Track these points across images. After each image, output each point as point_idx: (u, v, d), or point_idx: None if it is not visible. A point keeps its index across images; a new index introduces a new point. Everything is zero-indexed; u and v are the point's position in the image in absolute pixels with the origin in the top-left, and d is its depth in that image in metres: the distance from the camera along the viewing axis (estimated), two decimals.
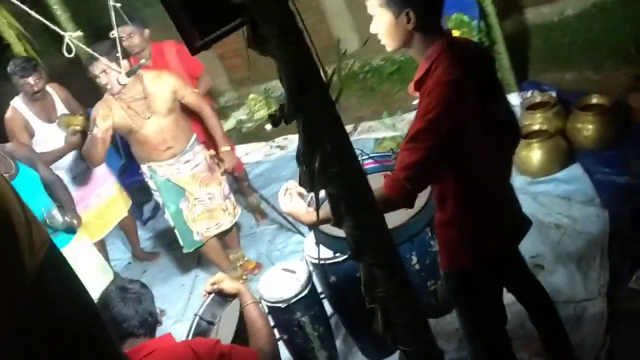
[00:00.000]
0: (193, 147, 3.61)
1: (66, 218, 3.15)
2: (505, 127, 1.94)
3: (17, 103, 3.74)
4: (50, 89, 3.83)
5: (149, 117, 3.35)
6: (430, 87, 1.73)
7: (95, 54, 3.05)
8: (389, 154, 2.83)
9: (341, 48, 5.81)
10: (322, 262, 2.55)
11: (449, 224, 1.93)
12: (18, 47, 5.21)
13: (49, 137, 3.75)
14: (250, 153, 5.53)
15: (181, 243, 3.68)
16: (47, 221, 3.08)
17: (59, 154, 3.73)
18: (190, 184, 3.56)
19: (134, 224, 4.51)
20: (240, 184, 4.48)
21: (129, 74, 3.19)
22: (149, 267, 4.51)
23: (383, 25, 1.82)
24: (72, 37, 2.81)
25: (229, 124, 6.16)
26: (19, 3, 2.54)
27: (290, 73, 1.22)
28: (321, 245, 2.33)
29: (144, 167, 3.56)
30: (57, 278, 1.07)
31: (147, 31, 3.82)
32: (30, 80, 3.61)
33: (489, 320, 2.09)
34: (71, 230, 3.29)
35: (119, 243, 4.78)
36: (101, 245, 4.07)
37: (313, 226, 2.26)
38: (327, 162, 1.29)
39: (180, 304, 3.92)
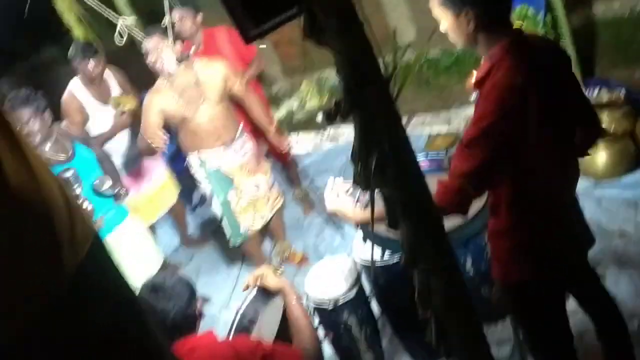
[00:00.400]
0: (241, 136, 3.58)
1: (115, 186, 3.21)
2: (582, 129, 1.80)
3: (75, 85, 3.78)
4: (107, 72, 3.87)
5: (200, 105, 3.32)
6: (488, 90, 1.63)
7: (145, 36, 3.04)
8: (442, 155, 2.71)
9: (397, 40, 5.67)
10: (371, 262, 2.46)
11: (503, 234, 1.81)
12: (78, 31, 5.29)
13: (103, 120, 3.78)
14: (300, 143, 5.48)
15: (227, 235, 3.64)
16: (97, 186, 3.14)
17: (109, 135, 3.77)
18: (239, 173, 3.52)
19: (183, 210, 4.53)
20: (289, 173, 4.44)
21: (180, 59, 3.17)
22: (197, 253, 4.54)
23: (446, 24, 1.73)
24: (125, 22, 2.80)
25: (280, 113, 6.13)
26: None
27: (348, 66, 1.14)
28: (369, 243, 2.25)
29: (192, 157, 3.50)
30: (100, 276, 1.03)
31: (199, 16, 3.80)
32: (90, 64, 3.65)
33: (552, 336, 1.96)
34: (119, 199, 3.33)
35: (167, 228, 4.81)
36: (150, 230, 4.10)
37: (361, 224, 2.18)
38: (385, 161, 1.20)
39: (225, 292, 3.91)
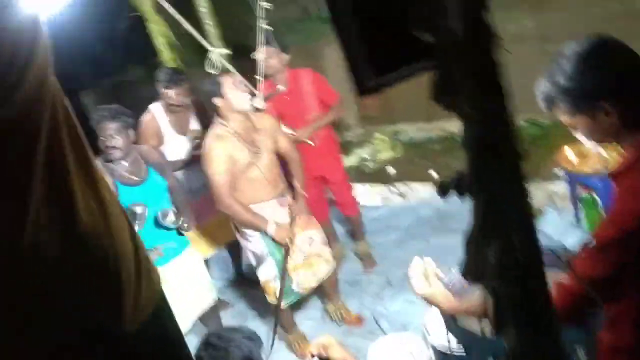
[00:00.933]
0: (290, 190, 3.46)
1: (179, 219, 3.13)
2: None
3: (156, 109, 3.77)
4: (190, 102, 3.85)
5: (260, 153, 3.20)
6: (634, 186, 1.39)
7: (236, 72, 2.97)
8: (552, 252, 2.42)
9: None
10: (450, 351, 2.21)
11: (624, 352, 1.54)
12: (166, 55, 5.39)
13: (177, 148, 3.74)
14: (367, 195, 5.31)
15: (278, 294, 3.35)
16: (160, 218, 3.06)
17: (181, 164, 3.72)
18: (294, 229, 3.33)
19: (240, 247, 4.40)
20: (352, 225, 4.27)
21: (266, 97, 3.09)
22: (248, 291, 4.37)
23: (584, 131, 1.50)
24: (219, 53, 2.74)
25: (351, 160, 5.99)
26: (174, 12, 2.51)
27: (481, 137, 0.97)
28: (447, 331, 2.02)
29: None
30: (160, 340, 0.91)
31: (285, 56, 3.73)
32: (173, 93, 3.63)
33: None
34: (182, 233, 3.24)
35: (221, 262, 4.68)
36: (236, 244, 4.01)
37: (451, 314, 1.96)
38: (506, 253, 1.01)
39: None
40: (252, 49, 3.46)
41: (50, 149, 0.74)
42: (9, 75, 0.68)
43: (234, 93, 3.02)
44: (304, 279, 3.36)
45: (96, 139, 3.00)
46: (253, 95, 3.10)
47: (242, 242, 3.40)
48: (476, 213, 1.02)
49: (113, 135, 2.97)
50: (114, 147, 2.98)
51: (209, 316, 3.58)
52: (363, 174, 5.76)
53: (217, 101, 3.01)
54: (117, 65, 8.07)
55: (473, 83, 0.93)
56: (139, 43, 5.83)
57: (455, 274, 1.89)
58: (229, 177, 3.08)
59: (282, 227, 3.19)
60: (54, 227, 0.72)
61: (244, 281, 4.47)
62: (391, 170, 5.68)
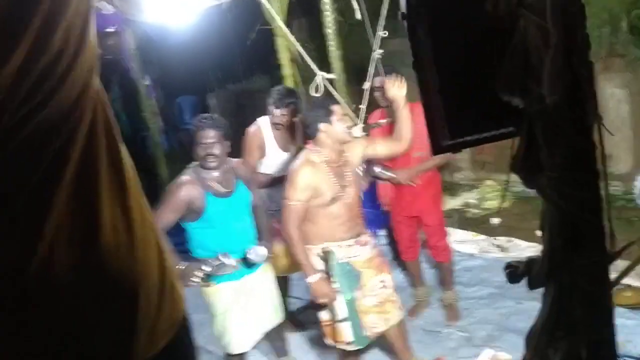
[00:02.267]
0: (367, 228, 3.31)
1: (266, 254, 3.13)
2: None
3: (263, 123, 3.82)
4: (297, 121, 3.87)
5: (347, 187, 3.07)
6: None
7: (335, 99, 2.93)
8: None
9: (608, 166, 5.07)
10: None
11: None
12: (287, 70, 5.48)
13: (277, 164, 3.76)
14: (466, 243, 5.06)
15: (350, 338, 3.15)
16: (248, 256, 3.07)
17: (271, 180, 3.72)
18: (367, 269, 3.15)
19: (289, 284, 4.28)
20: (442, 272, 4.06)
21: (366, 128, 3.01)
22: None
23: None
24: (324, 77, 2.72)
25: (455, 202, 5.78)
26: (287, 33, 2.51)
27: (559, 223, 0.83)
28: None
29: (316, 249, 3.10)
30: None
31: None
32: (278, 112, 3.67)
33: None
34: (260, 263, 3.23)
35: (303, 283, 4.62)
36: (285, 280, 3.96)
37: None
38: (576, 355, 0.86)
39: None
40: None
41: (84, 158, 0.71)
42: (51, 76, 0.66)
43: (340, 123, 2.96)
44: (373, 323, 3.16)
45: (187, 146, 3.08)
46: (354, 124, 3.04)
47: None
48: (545, 307, 0.88)
49: (214, 142, 3.02)
50: (213, 155, 3.02)
51: (275, 337, 3.53)
52: (465, 220, 5.52)
53: (322, 126, 2.97)
54: (244, 73, 8.40)
55: (562, 161, 0.80)
56: (266, 55, 6.01)
57: None
58: (305, 207, 3.00)
59: (323, 282, 3.03)
60: (72, 245, 0.68)
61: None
62: (495, 220, 5.39)
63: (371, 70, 2.92)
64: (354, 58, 4.73)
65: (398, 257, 4.33)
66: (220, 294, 3.17)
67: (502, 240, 4.98)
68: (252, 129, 3.81)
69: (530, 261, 0.86)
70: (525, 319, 3.87)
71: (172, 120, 9.54)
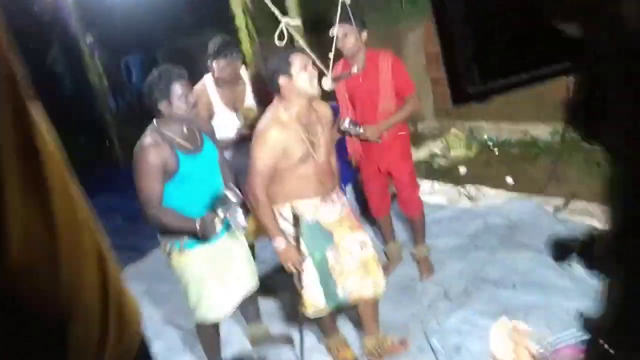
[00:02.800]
0: (337, 186, 3.12)
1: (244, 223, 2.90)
2: None
3: (208, 81, 3.56)
4: (245, 75, 3.60)
5: (319, 146, 2.87)
6: None
7: (305, 47, 2.67)
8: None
9: None
10: None
11: None
12: (240, 20, 5.16)
13: (227, 125, 3.52)
14: (434, 194, 4.94)
15: (321, 303, 2.98)
16: (229, 219, 2.81)
17: (228, 144, 3.49)
18: (339, 229, 2.96)
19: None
20: (413, 226, 3.92)
21: (336, 79, 2.78)
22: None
23: None
24: (289, 24, 2.45)
25: (421, 154, 5.64)
26: None
27: (634, 190, 0.64)
28: None
29: (283, 209, 2.91)
30: None
31: (364, 34, 3.40)
32: (220, 66, 3.42)
33: None
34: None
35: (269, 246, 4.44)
36: (251, 245, 3.76)
37: None
38: None
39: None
40: (332, 24, 3.16)
41: None
42: None
43: (302, 74, 2.70)
44: (355, 286, 2.97)
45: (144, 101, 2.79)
46: (322, 75, 2.80)
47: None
48: (609, 297, 0.70)
49: (179, 97, 2.72)
50: (178, 111, 2.74)
51: (248, 303, 3.36)
52: (431, 170, 5.40)
53: (282, 80, 2.72)
54: (194, 26, 7.96)
55: (636, 105, 0.60)
56: (219, 7, 5.65)
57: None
58: (272, 170, 2.79)
59: (290, 249, 2.87)
60: None
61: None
62: (462, 169, 5.29)
63: (337, 16, 2.67)
64: (314, 6, 4.45)
65: (366, 213, 4.17)
66: (194, 260, 2.94)
67: (470, 189, 4.88)
68: (197, 87, 3.53)
69: (590, 239, 0.66)
70: (499, 270, 3.84)
71: (119, 81, 9.10)
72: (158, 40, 8.22)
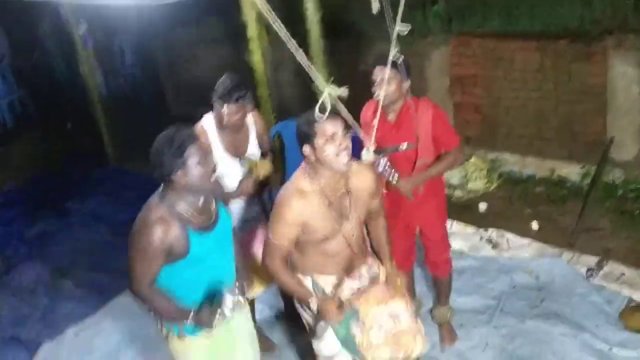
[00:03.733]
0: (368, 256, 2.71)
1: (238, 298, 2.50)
2: None
3: (208, 123, 3.08)
4: (249, 118, 3.15)
5: (345, 222, 2.45)
6: None
7: (351, 121, 2.22)
8: None
9: (610, 151, 4.61)
10: None
11: None
12: (252, 30, 4.69)
13: (229, 173, 3.08)
14: (453, 235, 4.52)
15: None
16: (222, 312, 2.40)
17: (228, 197, 3.03)
18: (365, 304, 2.54)
19: None
20: (439, 286, 3.53)
21: (377, 152, 2.34)
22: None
23: None
24: (332, 94, 2.02)
25: None
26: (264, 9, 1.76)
27: None
28: None
29: (304, 280, 2.56)
30: None
31: (407, 83, 2.96)
32: (227, 110, 2.95)
33: None
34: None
35: (271, 295, 4.02)
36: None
37: None
38: None
39: None
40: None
41: None
42: None
43: (329, 147, 2.25)
44: (387, 356, 2.55)
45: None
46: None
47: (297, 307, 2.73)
48: None
49: (205, 158, 2.26)
50: (206, 174, 2.26)
51: None
52: (448, 204, 4.98)
53: (305, 149, 2.30)
54: (197, 17, 7.40)
55: None
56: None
57: None
58: (290, 245, 2.43)
59: (330, 302, 2.48)
60: None
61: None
62: (482, 206, 4.89)
63: (392, 53, 2.23)
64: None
65: None
66: (195, 348, 2.49)
67: (492, 232, 4.48)
68: (195, 129, 3.06)
69: None
70: (530, 344, 3.45)
71: (113, 65, 8.54)
72: (156, 28, 7.66)
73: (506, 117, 5.03)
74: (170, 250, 2.24)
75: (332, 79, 4.73)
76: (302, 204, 2.33)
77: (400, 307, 2.64)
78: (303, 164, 2.41)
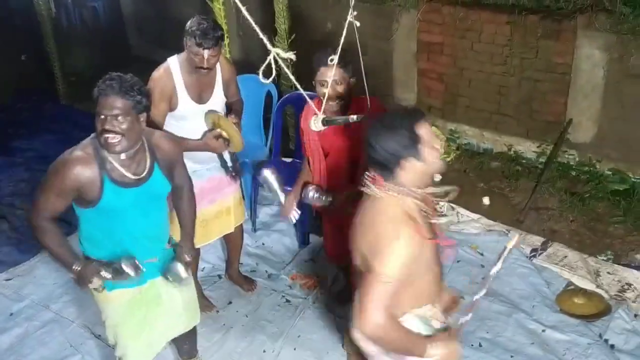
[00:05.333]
0: None
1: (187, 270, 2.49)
2: None
3: (174, 65, 2.93)
4: (217, 64, 3.00)
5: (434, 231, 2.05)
6: None
7: (300, 89, 2.09)
8: None
9: (568, 132, 4.59)
10: None
11: None
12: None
13: (189, 119, 2.96)
14: None
15: None
16: (168, 277, 2.46)
17: (190, 148, 2.92)
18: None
19: (240, 242, 3.67)
20: None
21: (326, 122, 2.23)
22: (236, 298, 3.68)
23: None
24: (279, 55, 1.88)
25: None
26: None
27: None
28: None
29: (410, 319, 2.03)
30: None
31: (352, 80, 2.75)
32: (206, 53, 2.79)
33: None
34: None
35: (218, 245, 3.97)
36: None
37: None
38: None
39: None
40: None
41: None
42: None
43: (433, 153, 1.87)
44: None
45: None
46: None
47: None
48: None
49: (119, 114, 2.14)
50: (113, 132, 2.16)
51: (184, 338, 2.91)
52: None
53: (407, 162, 1.84)
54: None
55: None
56: None
57: None
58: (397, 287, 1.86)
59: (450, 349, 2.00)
60: None
61: (239, 280, 3.76)
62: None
63: (342, 38, 2.09)
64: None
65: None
66: (113, 303, 2.47)
67: (444, 206, 4.46)
68: (157, 73, 2.89)
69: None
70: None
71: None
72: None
73: (468, 88, 4.95)
74: (80, 192, 2.20)
75: (292, 36, 4.59)
76: (413, 232, 1.84)
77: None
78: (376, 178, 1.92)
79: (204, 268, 3.88)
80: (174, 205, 2.66)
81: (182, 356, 3.05)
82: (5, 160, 5.41)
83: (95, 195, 2.21)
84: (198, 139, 2.96)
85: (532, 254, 3.91)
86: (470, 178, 4.86)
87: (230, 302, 3.63)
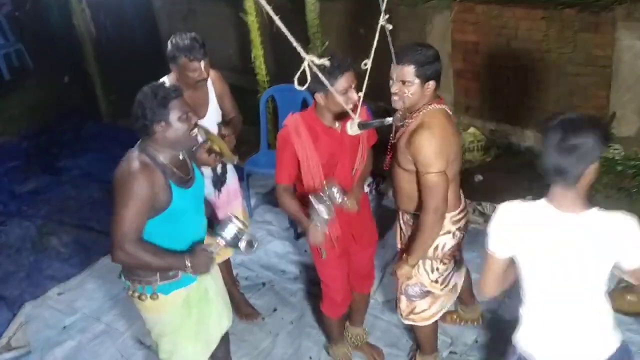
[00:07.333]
0: None
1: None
2: None
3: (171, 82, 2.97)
4: (209, 78, 3.04)
5: None
6: None
7: (331, 89, 2.07)
8: None
9: (612, 127, 4.48)
10: None
11: None
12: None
13: None
14: None
15: None
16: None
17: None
18: None
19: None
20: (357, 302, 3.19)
21: (362, 125, 2.22)
22: (280, 305, 3.70)
23: None
24: (313, 62, 1.88)
25: None
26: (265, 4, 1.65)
27: None
28: None
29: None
30: None
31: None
32: (202, 64, 2.85)
33: None
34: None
35: (261, 253, 4.01)
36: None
37: None
38: None
39: None
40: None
41: None
42: None
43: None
44: None
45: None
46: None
47: None
48: None
49: (187, 113, 2.27)
50: (188, 127, 2.27)
51: (220, 344, 2.85)
52: None
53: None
54: None
55: None
56: None
57: None
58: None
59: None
60: None
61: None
62: (478, 177, 4.80)
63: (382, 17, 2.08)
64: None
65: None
66: (169, 307, 2.45)
67: (486, 206, 4.40)
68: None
69: None
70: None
71: (109, 18, 8.25)
72: None
73: (506, 87, 4.88)
74: (153, 200, 2.20)
75: (326, 44, 4.61)
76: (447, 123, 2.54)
77: None
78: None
79: (247, 277, 3.93)
80: None
81: None
82: (52, 179, 5.57)
83: (166, 200, 2.24)
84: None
85: None
86: (513, 178, 4.78)
87: (275, 309, 3.65)
